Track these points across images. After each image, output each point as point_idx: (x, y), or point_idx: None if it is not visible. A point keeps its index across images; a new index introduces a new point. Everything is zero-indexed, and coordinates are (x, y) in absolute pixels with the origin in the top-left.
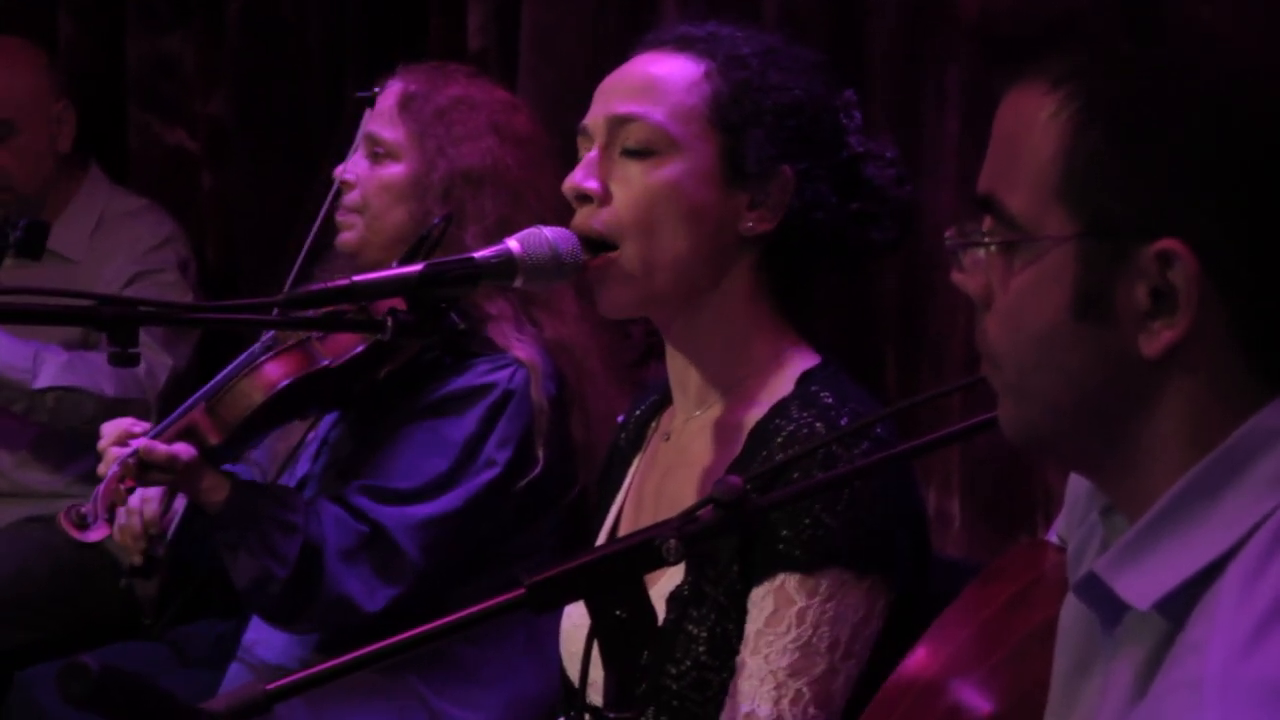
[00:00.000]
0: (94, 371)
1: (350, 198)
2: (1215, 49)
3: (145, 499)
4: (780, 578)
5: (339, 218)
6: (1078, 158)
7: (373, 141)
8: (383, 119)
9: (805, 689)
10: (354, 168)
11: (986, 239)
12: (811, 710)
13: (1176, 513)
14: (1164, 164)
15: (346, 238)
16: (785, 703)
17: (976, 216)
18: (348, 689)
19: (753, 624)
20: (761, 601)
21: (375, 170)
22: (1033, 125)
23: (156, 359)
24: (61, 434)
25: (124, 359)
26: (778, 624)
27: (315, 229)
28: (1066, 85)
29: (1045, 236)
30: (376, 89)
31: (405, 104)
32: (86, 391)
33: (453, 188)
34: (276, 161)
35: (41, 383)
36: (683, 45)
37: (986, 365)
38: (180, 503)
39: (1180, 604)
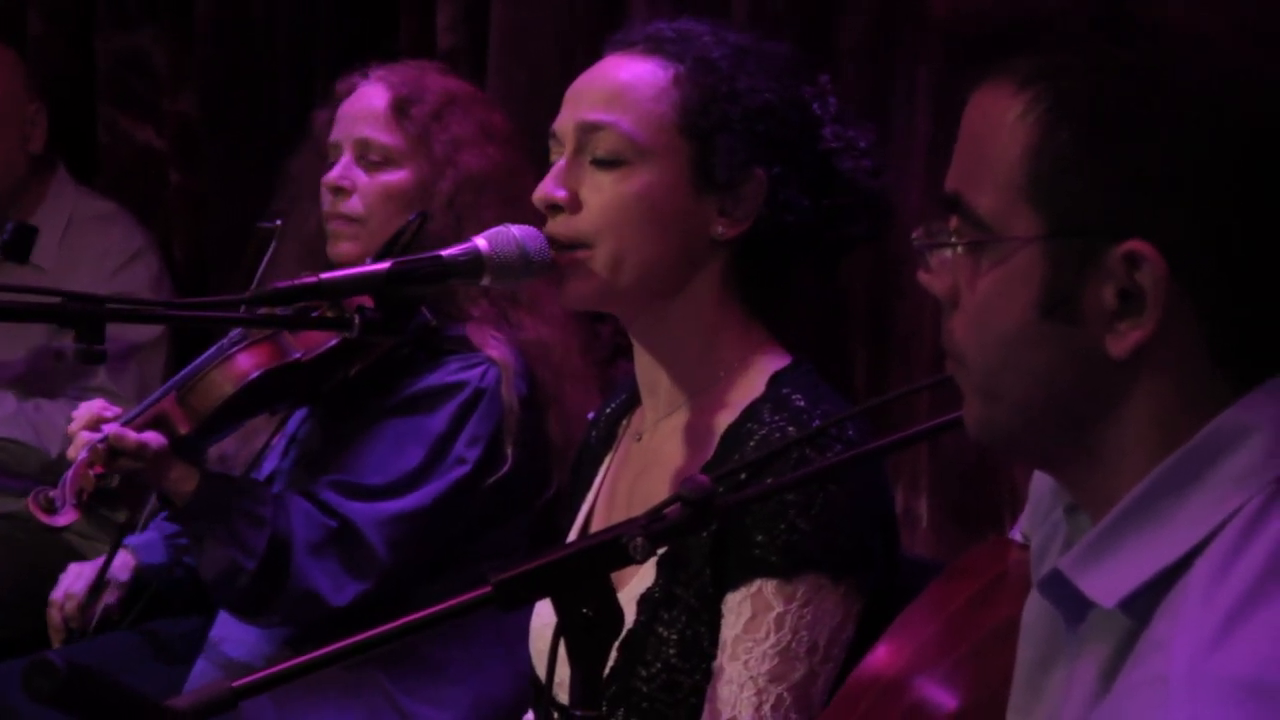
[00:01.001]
0: (42, 428)
1: (349, 206)
2: (1184, 51)
3: (69, 594)
4: (757, 583)
5: (334, 227)
6: (1045, 158)
7: (365, 147)
8: (376, 123)
9: (786, 694)
10: (348, 174)
11: (954, 239)
12: (792, 715)
13: (1142, 511)
14: (1132, 165)
15: (346, 249)
16: (766, 708)
17: (943, 216)
18: (315, 687)
19: (730, 629)
20: (738, 607)
21: (376, 177)
22: (1000, 125)
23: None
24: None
25: (91, 356)
26: (756, 630)
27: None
28: (1035, 85)
29: (1012, 237)
30: (279, 221)
31: (400, 108)
32: (27, 446)
33: (459, 193)
34: (245, 160)
35: None
36: (652, 47)
37: (952, 364)
38: (111, 596)
39: (1145, 602)
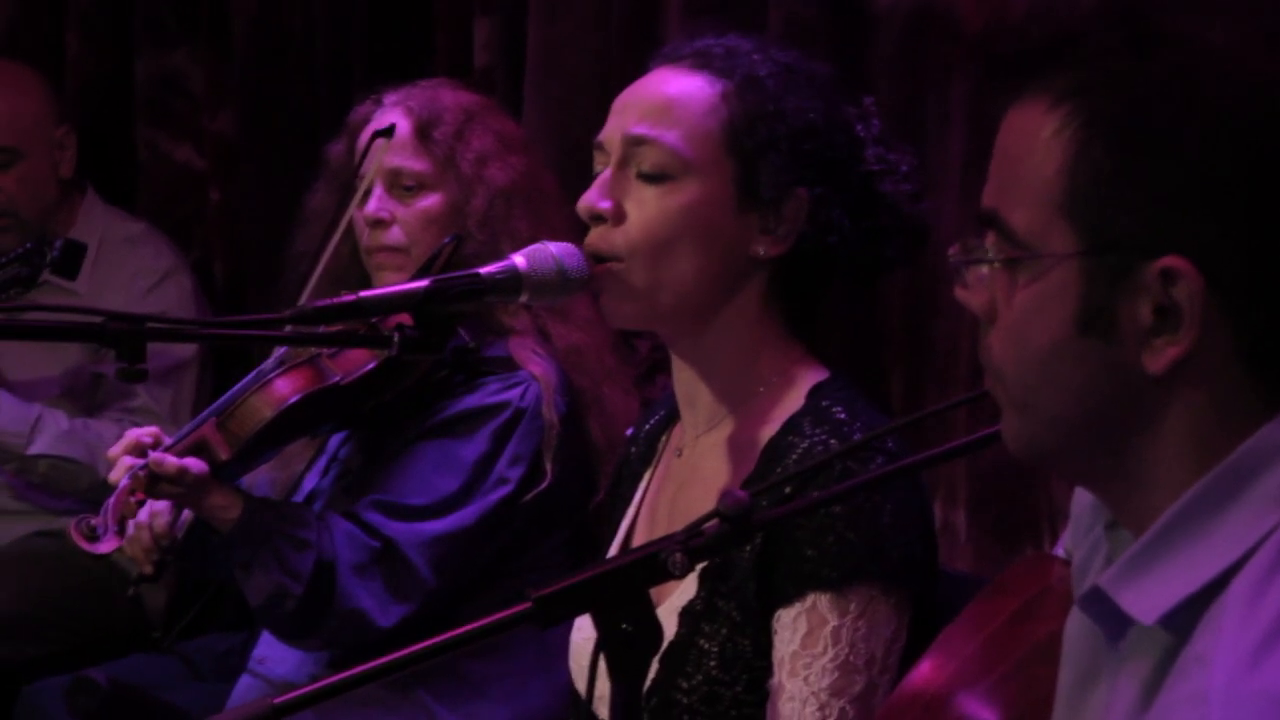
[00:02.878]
0: (93, 445)
1: (391, 237)
2: (1215, 65)
3: (154, 512)
4: (811, 598)
5: (379, 260)
6: (1080, 175)
7: (397, 175)
8: (404, 151)
9: (848, 707)
10: (385, 205)
11: (990, 255)
12: None
13: (1181, 527)
14: (1166, 181)
15: (394, 280)
16: None
17: (980, 233)
18: (357, 703)
19: (786, 646)
20: (793, 623)
21: (413, 205)
22: (1035, 142)
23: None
24: None
25: (132, 375)
26: (813, 645)
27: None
28: (1069, 103)
29: (1049, 253)
30: (394, 122)
31: (423, 132)
32: (81, 464)
33: (491, 209)
34: (284, 178)
35: (35, 449)
36: (701, 62)
37: (990, 380)
38: (189, 512)
39: (1185, 618)
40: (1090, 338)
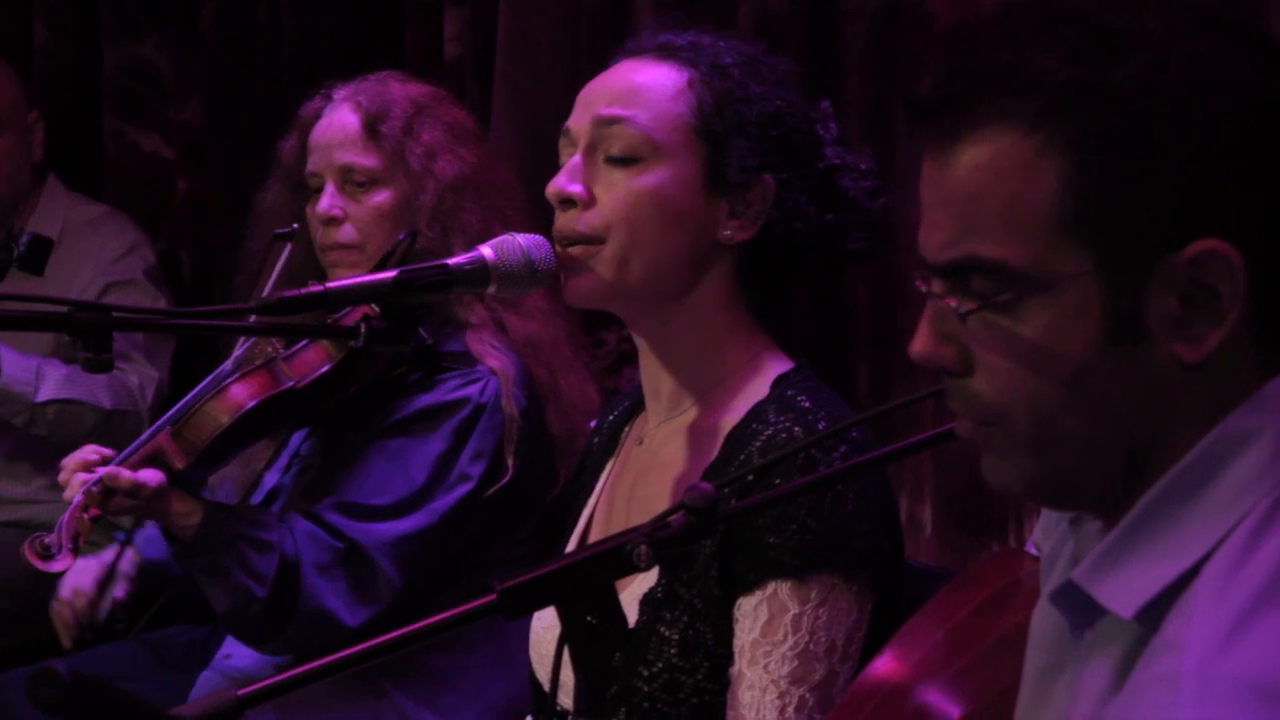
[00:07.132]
0: (92, 384)
1: (344, 234)
2: (1166, 53)
3: (76, 591)
4: (771, 586)
5: (333, 257)
6: (1084, 189)
7: (347, 172)
8: (353, 148)
9: (808, 695)
10: (336, 202)
11: (985, 300)
12: (816, 716)
13: (1153, 519)
14: (1176, 171)
15: (348, 276)
16: (790, 711)
17: (951, 287)
18: (320, 696)
19: (747, 634)
20: (754, 611)
21: (365, 201)
22: (1013, 173)
23: (145, 373)
24: (33, 443)
25: (97, 365)
26: (774, 633)
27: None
28: (1047, 124)
29: (1063, 275)
30: (295, 225)
31: (371, 127)
32: (86, 404)
33: (440, 203)
34: (251, 168)
35: (43, 396)
36: (665, 54)
37: (975, 428)
38: (120, 590)
39: (1157, 606)
40: (1121, 346)
